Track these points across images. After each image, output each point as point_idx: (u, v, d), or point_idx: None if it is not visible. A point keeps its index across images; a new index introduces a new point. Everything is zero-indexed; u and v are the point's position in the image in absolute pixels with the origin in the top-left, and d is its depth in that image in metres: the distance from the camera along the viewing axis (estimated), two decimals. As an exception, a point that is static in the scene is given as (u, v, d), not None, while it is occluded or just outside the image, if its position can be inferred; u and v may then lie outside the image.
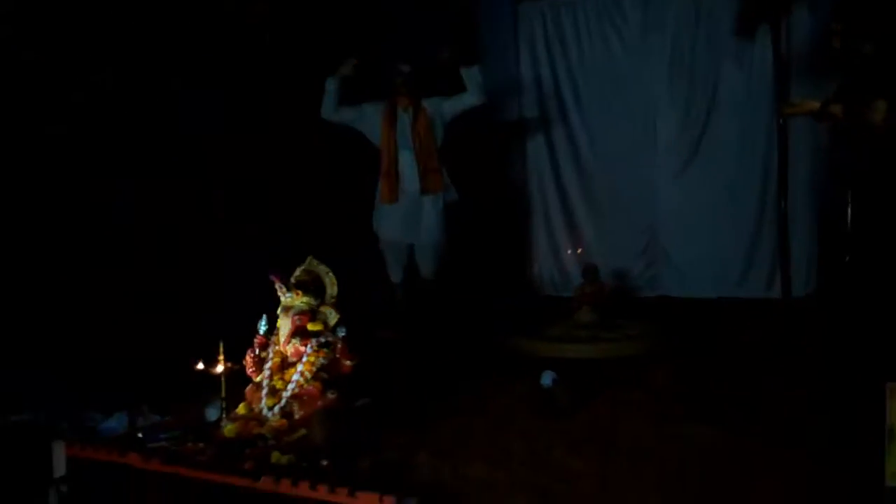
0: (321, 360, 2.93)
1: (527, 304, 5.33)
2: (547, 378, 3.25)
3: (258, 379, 2.98)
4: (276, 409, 2.84)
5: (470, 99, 4.39)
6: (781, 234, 4.03)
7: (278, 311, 3.05)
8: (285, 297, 3.03)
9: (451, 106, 4.45)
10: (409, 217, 4.44)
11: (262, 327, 3.08)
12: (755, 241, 5.27)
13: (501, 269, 5.60)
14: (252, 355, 3.02)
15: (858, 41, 3.26)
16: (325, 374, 2.93)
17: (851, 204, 2.95)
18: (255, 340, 3.06)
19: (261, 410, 2.87)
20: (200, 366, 3.18)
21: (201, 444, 2.74)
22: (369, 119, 4.43)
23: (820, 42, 4.45)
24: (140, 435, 2.85)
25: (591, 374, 3.46)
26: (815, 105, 3.43)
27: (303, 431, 2.74)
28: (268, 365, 2.97)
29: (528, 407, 3.12)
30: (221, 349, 2.98)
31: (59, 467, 2.63)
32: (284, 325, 3.00)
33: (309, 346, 2.95)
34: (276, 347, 3.01)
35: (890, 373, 2.31)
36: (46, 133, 3.49)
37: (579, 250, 5.67)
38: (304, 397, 2.87)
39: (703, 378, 3.37)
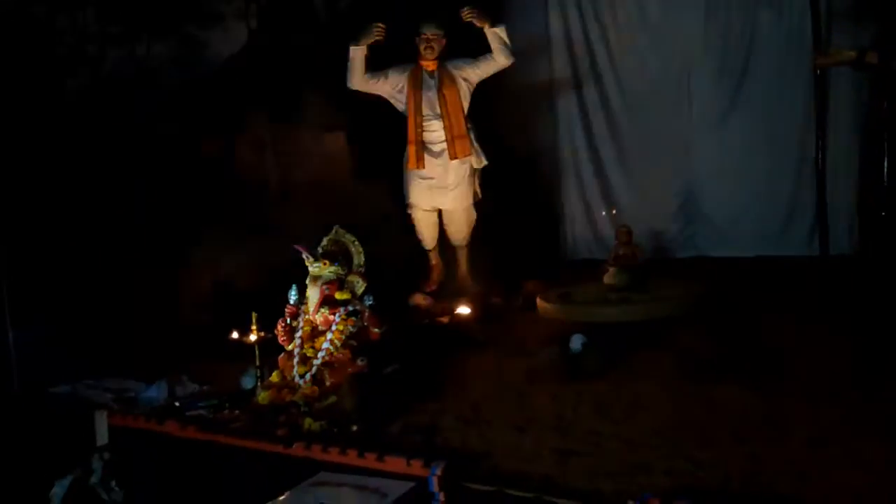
0: (350, 329, 2.97)
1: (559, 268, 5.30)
2: (576, 342, 3.25)
3: (290, 347, 3.04)
4: (308, 376, 2.90)
5: (497, 61, 4.31)
6: (820, 189, 3.91)
7: (307, 280, 3.09)
8: (313, 267, 3.06)
9: (478, 68, 4.39)
10: (438, 183, 4.42)
11: (293, 297, 3.13)
12: (795, 196, 5.12)
13: (534, 234, 5.56)
14: (283, 325, 3.08)
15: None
16: (354, 342, 2.97)
17: (888, 157, 2.84)
18: (286, 310, 3.12)
19: (293, 378, 2.93)
20: (235, 335, 3.28)
21: (237, 412, 2.84)
22: (395, 85, 4.39)
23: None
24: (177, 404, 2.95)
25: (621, 337, 3.44)
26: (852, 54, 3.29)
27: (333, 398, 2.80)
28: (298, 334, 3.03)
29: (557, 371, 3.12)
30: (255, 319, 3.06)
31: (102, 436, 2.74)
32: (313, 294, 3.04)
33: (337, 314, 2.99)
34: (306, 316, 3.05)
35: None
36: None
37: (613, 212, 5.60)
38: (335, 365, 2.91)
39: (734, 339, 3.32)
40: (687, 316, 3.77)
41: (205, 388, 3.20)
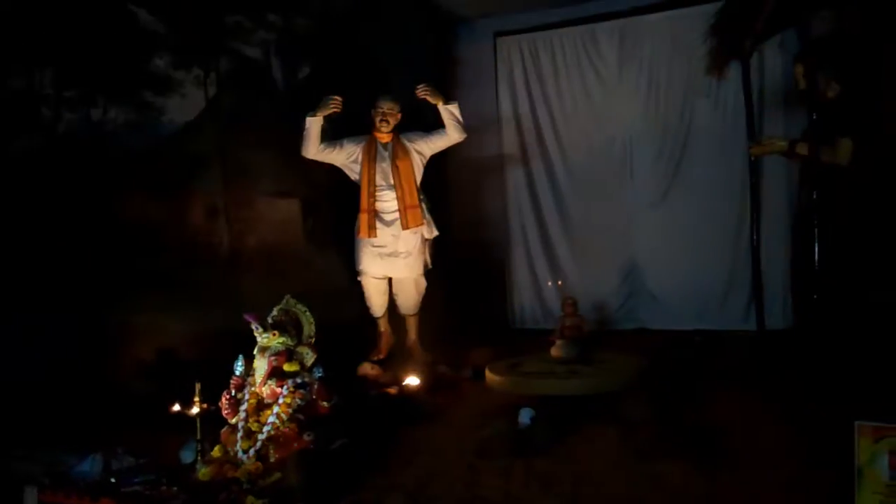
0: (297, 402, 2.92)
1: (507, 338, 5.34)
2: (525, 416, 3.26)
3: (234, 421, 2.95)
4: (252, 451, 2.82)
5: (449, 136, 4.43)
6: (755, 267, 4.09)
7: (254, 351, 3.04)
8: (261, 338, 3.01)
9: (431, 142, 4.50)
10: (389, 252, 4.45)
11: (238, 368, 3.07)
12: (732, 273, 5.35)
13: (482, 303, 5.63)
14: (228, 397, 3.00)
15: (822, 83, 3.34)
16: (302, 416, 2.92)
17: (819, 241, 3.01)
18: (231, 381, 3.05)
19: (236, 453, 2.84)
20: (177, 407, 3.18)
21: (175, 489, 2.73)
22: (349, 156, 4.45)
23: (789, 81, 4.57)
24: (113, 479, 2.82)
25: (569, 410, 3.47)
26: (783, 145, 3.50)
27: (278, 475, 2.72)
28: (243, 407, 2.95)
29: (505, 445, 3.12)
30: (198, 390, 2.98)
31: (31, 514, 2.59)
32: (260, 365, 2.98)
33: (285, 387, 2.93)
34: (252, 389, 2.99)
35: (858, 410, 2.34)
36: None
37: (559, 283, 5.73)
38: (280, 439, 2.84)
39: (678, 413, 3.39)
40: (631, 389, 3.84)
41: (142, 461, 3.07)
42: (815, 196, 3.08)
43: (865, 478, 2.22)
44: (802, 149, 3.33)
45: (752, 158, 3.97)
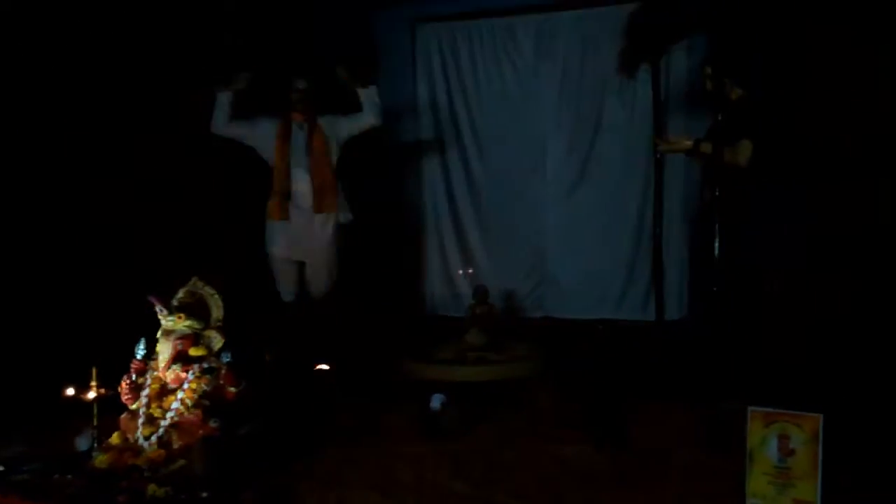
0: (203, 387, 2.82)
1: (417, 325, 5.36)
2: (436, 401, 3.29)
3: (134, 407, 2.83)
4: (154, 438, 2.71)
5: (366, 119, 4.38)
6: (656, 259, 4.26)
7: (158, 334, 2.91)
8: (166, 321, 2.89)
9: (348, 125, 4.43)
10: (301, 235, 4.36)
11: (140, 352, 2.94)
12: (633, 266, 5.56)
13: (394, 289, 5.62)
14: (128, 381, 2.87)
15: (727, 85, 3.52)
16: (208, 402, 2.82)
17: (719, 237, 3.17)
18: (132, 365, 2.91)
19: (136, 440, 2.73)
20: (71, 391, 3.01)
21: (69, 477, 2.59)
22: (263, 134, 4.32)
23: (695, 82, 4.78)
24: (1, 467, 2.64)
25: (479, 397, 3.53)
26: (689, 144, 3.67)
27: (182, 462, 2.63)
28: (145, 392, 2.83)
29: (417, 430, 3.15)
30: (94, 374, 2.83)
31: None
32: (164, 349, 2.87)
33: (191, 372, 2.83)
34: (155, 373, 2.87)
35: (750, 397, 2.49)
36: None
37: (470, 271, 5.79)
38: (184, 426, 2.75)
39: (583, 399, 3.50)
40: (539, 376, 3.95)
41: (29, 449, 2.88)
42: (717, 193, 3.24)
43: (756, 460, 2.37)
44: (706, 148, 3.50)
45: (659, 156, 4.14)
